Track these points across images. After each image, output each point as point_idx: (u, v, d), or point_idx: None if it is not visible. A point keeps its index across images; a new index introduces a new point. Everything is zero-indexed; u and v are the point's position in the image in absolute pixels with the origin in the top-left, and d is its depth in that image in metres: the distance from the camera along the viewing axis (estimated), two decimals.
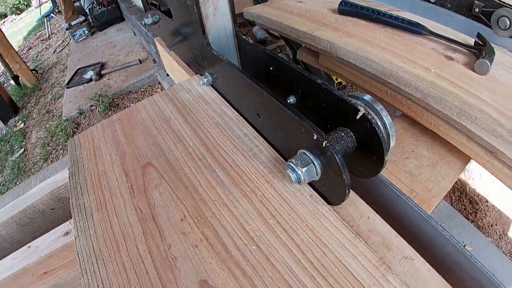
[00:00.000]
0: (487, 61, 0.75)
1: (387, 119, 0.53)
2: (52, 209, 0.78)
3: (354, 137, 0.52)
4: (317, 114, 0.59)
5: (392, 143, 0.54)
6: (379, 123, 0.50)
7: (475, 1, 1.02)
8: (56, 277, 0.69)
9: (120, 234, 0.54)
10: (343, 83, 2.10)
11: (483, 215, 1.75)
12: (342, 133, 0.52)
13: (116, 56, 3.34)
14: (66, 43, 4.83)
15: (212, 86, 0.85)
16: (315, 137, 0.48)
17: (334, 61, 0.94)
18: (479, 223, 1.71)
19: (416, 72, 0.76)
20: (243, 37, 0.81)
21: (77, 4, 4.80)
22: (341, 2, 1.01)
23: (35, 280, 0.68)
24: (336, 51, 0.86)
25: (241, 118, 0.72)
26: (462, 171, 0.79)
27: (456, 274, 0.58)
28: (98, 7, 4.13)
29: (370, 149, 0.51)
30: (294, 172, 0.51)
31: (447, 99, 0.70)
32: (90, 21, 4.26)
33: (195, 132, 0.70)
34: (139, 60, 3.05)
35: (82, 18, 4.21)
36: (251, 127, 0.69)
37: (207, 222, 0.52)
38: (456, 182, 1.87)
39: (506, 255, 1.55)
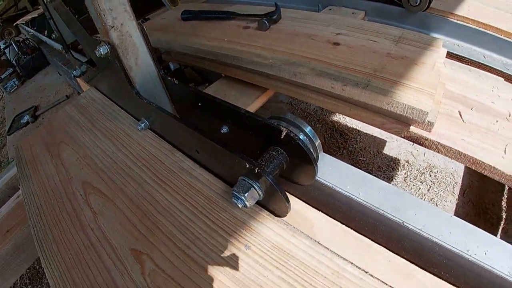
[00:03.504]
0: (265, 21, 1.07)
1: (309, 131, 0.58)
2: (9, 196, 1.15)
3: (285, 153, 0.56)
4: (250, 138, 0.64)
5: (319, 152, 0.60)
6: (301, 137, 0.54)
7: None
8: (15, 235, 0.96)
9: (47, 181, 0.94)
10: None
11: (354, 142, 2.13)
12: (273, 152, 0.56)
13: (46, 97, 3.62)
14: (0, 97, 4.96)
15: (151, 129, 0.94)
16: (247, 166, 0.54)
17: (180, 55, 1.36)
18: (350, 148, 2.10)
19: (212, 44, 1.10)
20: (168, 78, 0.87)
21: (3, 57, 4.93)
22: (181, 12, 1.38)
23: (2, 239, 0.96)
24: (174, 48, 1.27)
25: (121, 109, 1.11)
26: (259, 98, 1.08)
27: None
28: (23, 56, 4.29)
29: (301, 161, 0.55)
30: (238, 199, 0.54)
31: (227, 54, 1.03)
32: (19, 71, 4.42)
33: (89, 121, 1.11)
34: (66, 95, 3.36)
35: (10, 70, 4.36)
36: (124, 111, 1.08)
37: (99, 169, 0.93)
38: (327, 123, 2.31)
39: (382, 168, 1.95)
